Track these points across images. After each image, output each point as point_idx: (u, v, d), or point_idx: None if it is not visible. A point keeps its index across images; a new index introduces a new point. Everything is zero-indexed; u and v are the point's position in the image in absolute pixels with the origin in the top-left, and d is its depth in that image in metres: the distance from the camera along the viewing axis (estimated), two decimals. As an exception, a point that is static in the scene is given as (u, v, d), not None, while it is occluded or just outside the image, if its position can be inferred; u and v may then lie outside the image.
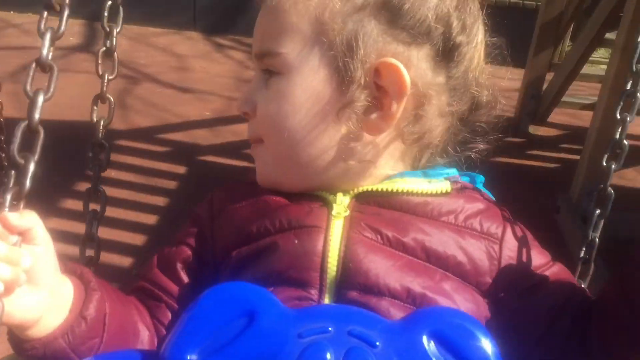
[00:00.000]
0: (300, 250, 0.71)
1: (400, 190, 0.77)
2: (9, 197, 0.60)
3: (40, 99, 0.66)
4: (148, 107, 4.19)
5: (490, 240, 0.77)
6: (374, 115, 0.75)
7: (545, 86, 4.44)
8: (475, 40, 0.79)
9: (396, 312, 0.67)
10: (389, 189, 0.77)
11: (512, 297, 0.76)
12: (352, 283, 0.69)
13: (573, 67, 3.85)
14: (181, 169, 3.45)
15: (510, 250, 0.77)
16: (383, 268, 0.70)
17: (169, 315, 0.76)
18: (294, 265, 0.70)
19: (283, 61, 0.74)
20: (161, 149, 3.65)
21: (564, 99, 4.11)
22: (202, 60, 5.19)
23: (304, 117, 0.74)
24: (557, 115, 4.27)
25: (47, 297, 0.64)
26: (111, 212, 3.04)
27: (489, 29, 0.83)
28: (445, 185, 0.79)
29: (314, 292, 0.69)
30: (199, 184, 3.29)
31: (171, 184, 3.27)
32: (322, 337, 0.58)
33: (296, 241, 0.72)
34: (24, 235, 0.61)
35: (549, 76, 4.26)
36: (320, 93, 0.74)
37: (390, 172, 0.80)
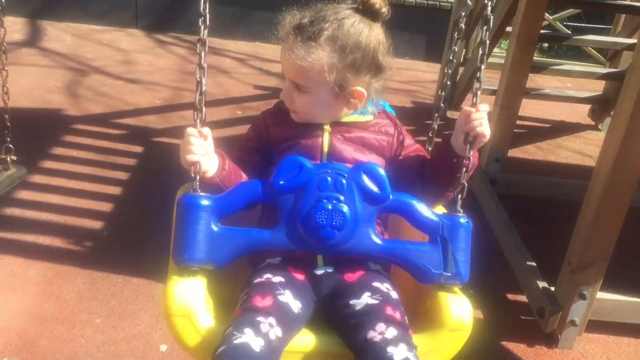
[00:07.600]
0: (311, 145, 1.53)
1: (351, 120, 1.58)
2: (199, 122, 1.36)
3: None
4: (99, 97, 4.45)
5: (388, 136, 1.58)
6: (352, 104, 1.54)
7: (458, 77, 5.05)
8: (382, 52, 1.50)
9: (350, 165, 1.48)
10: (347, 120, 1.58)
11: (394, 160, 1.57)
12: (333, 156, 1.52)
13: (481, 57, 4.43)
14: (137, 149, 3.74)
15: (397, 140, 1.58)
16: (344, 149, 1.53)
17: (254, 173, 1.52)
18: (310, 152, 1.52)
19: (307, 89, 1.50)
20: (117, 132, 3.92)
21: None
22: (146, 55, 5.44)
23: (321, 109, 1.53)
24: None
25: (212, 160, 1.39)
26: (79, 184, 3.35)
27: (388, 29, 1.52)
28: (369, 117, 1.60)
29: (318, 161, 1.51)
30: (155, 160, 3.62)
31: (130, 161, 3.59)
32: (326, 173, 1.36)
33: (310, 141, 1.53)
34: (205, 137, 1.37)
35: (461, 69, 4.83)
36: (328, 101, 1.52)
37: (349, 113, 1.59)
